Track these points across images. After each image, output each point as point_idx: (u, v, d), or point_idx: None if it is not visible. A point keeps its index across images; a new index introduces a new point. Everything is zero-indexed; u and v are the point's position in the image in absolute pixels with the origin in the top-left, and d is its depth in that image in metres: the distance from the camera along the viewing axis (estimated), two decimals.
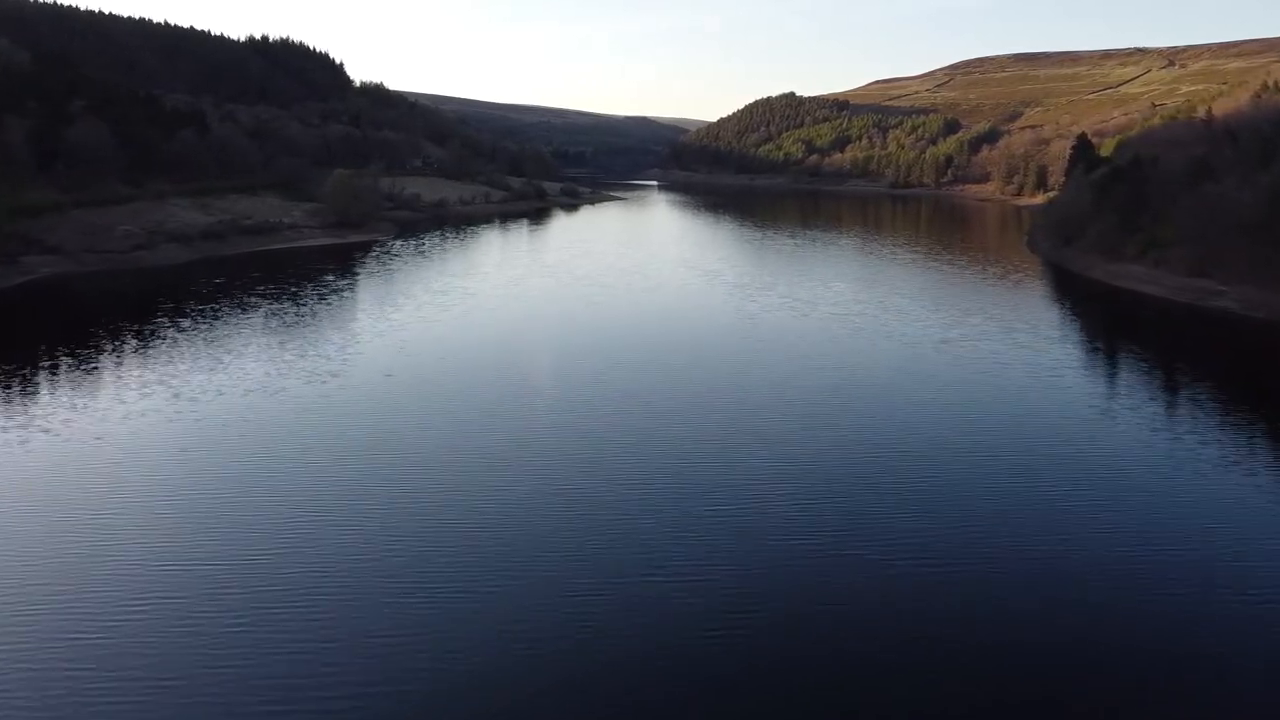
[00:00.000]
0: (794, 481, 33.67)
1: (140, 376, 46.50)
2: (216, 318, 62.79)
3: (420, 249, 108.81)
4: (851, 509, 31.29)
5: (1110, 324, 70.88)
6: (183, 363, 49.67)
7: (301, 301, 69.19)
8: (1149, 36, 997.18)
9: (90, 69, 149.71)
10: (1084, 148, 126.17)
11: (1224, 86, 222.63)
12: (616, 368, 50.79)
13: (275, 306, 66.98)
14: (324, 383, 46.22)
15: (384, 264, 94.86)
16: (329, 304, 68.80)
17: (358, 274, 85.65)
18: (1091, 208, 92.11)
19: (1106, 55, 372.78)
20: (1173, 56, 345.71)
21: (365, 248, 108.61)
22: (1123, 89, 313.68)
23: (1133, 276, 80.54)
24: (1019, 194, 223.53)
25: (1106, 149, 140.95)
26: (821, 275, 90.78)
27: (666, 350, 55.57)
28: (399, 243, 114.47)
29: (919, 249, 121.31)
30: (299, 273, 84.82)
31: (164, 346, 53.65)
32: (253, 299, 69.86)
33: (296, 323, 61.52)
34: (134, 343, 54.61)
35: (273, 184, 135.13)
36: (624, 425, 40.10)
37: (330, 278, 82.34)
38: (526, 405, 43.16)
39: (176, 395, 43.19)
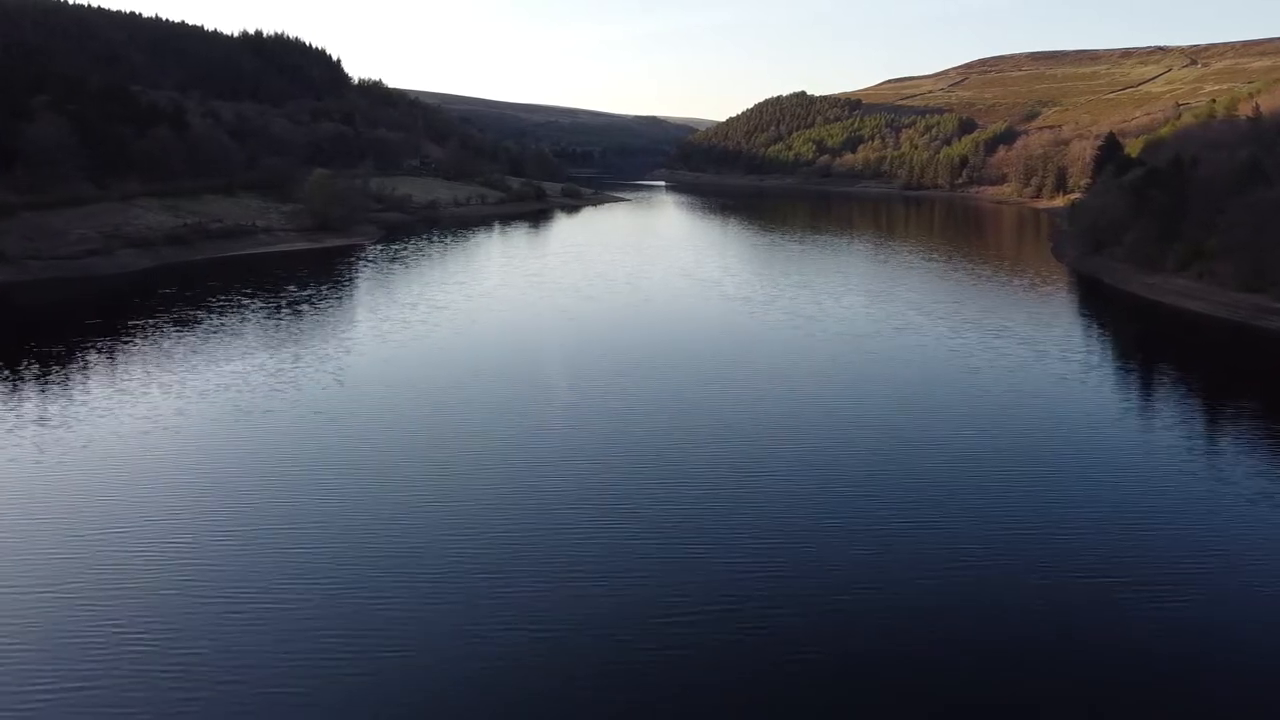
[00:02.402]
0: (795, 567, 26.51)
1: (27, 411, 39.53)
2: (145, 337, 55.73)
3: (400, 255, 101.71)
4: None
5: (1156, 347, 62.85)
6: (75, 396, 42.60)
7: (246, 319, 61.97)
8: (1169, 35, 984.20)
9: (70, 65, 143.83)
10: (1112, 148, 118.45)
11: (1251, 85, 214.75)
12: (574, 413, 43.53)
13: (216, 323, 59.89)
14: (244, 418, 39.16)
15: (356, 272, 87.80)
16: (275, 322, 61.56)
17: (323, 284, 78.51)
18: (1126, 214, 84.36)
19: (1126, 54, 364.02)
20: (1194, 55, 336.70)
21: (343, 253, 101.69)
22: (1144, 88, 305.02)
23: (1175, 291, 72.89)
24: (1037, 196, 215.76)
25: (1133, 149, 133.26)
26: (831, 286, 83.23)
27: (641, 382, 48.18)
28: (380, 248, 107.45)
29: (935, 256, 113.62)
30: (260, 282, 77.77)
31: (66, 375, 46.61)
32: (195, 314, 62.76)
33: (227, 346, 54.19)
34: (34, 369, 47.52)
35: (254, 185, 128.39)
36: (568, 490, 32.89)
37: (292, 288, 75.24)
38: (467, 454, 36.00)
39: (58, 439, 36.20)
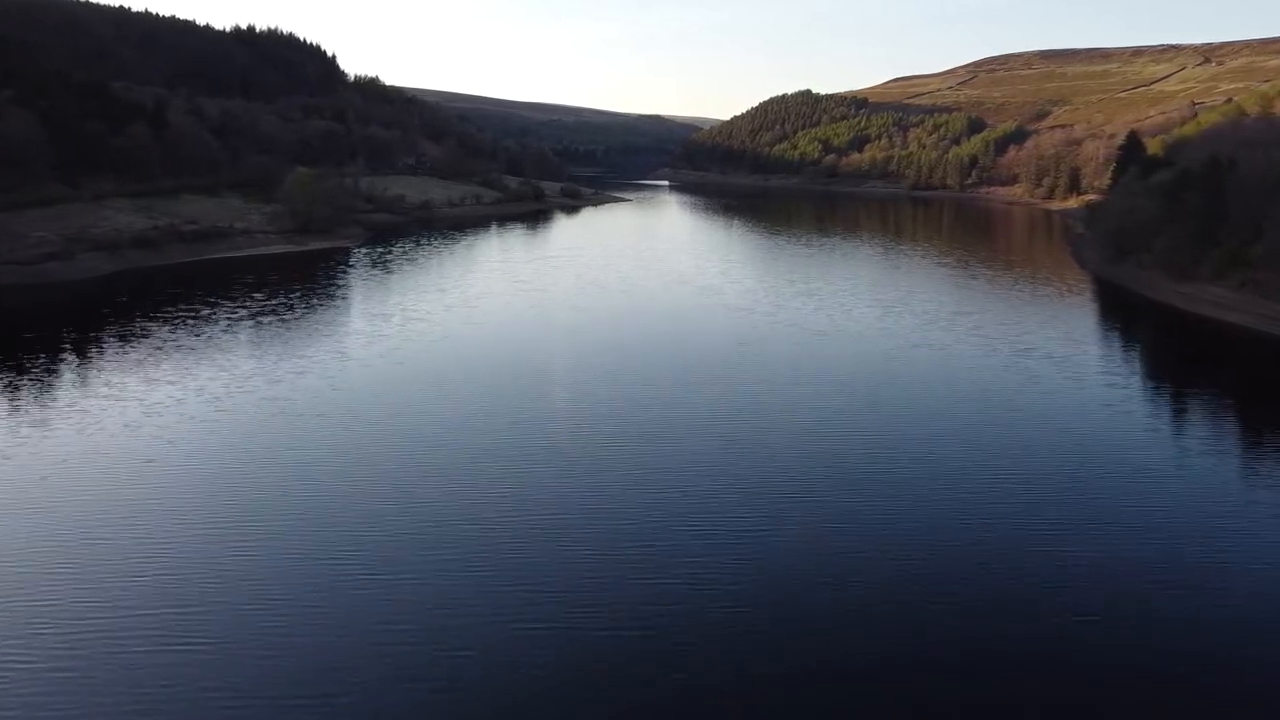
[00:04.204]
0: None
1: None
2: (79, 353, 50.43)
3: (385, 259, 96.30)
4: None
5: (1200, 367, 56.86)
6: None
7: (196, 334, 56.36)
8: (1180, 34, 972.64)
9: (55, 60, 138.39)
10: (1134, 148, 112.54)
11: (1267, 85, 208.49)
12: (553, 440, 38.08)
13: (161, 338, 54.43)
14: (148, 465, 33.79)
15: (333, 278, 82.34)
16: (227, 337, 55.98)
17: (294, 292, 73.05)
18: (1155, 217, 78.66)
19: (1137, 52, 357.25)
20: (1208, 53, 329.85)
21: (324, 257, 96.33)
22: (1157, 87, 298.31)
23: (1213, 301, 67.29)
24: (1049, 197, 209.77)
25: (1152, 149, 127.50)
26: (840, 295, 77.53)
27: (627, 409, 42.71)
28: (365, 251, 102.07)
29: (948, 260, 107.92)
30: (226, 289, 72.32)
31: None
32: (139, 328, 57.28)
33: (160, 368, 48.83)
34: None
35: (239, 184, 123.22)
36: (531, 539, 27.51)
37: (258, 296, 69.85)
38: (419, 493, 30.57)
39: None
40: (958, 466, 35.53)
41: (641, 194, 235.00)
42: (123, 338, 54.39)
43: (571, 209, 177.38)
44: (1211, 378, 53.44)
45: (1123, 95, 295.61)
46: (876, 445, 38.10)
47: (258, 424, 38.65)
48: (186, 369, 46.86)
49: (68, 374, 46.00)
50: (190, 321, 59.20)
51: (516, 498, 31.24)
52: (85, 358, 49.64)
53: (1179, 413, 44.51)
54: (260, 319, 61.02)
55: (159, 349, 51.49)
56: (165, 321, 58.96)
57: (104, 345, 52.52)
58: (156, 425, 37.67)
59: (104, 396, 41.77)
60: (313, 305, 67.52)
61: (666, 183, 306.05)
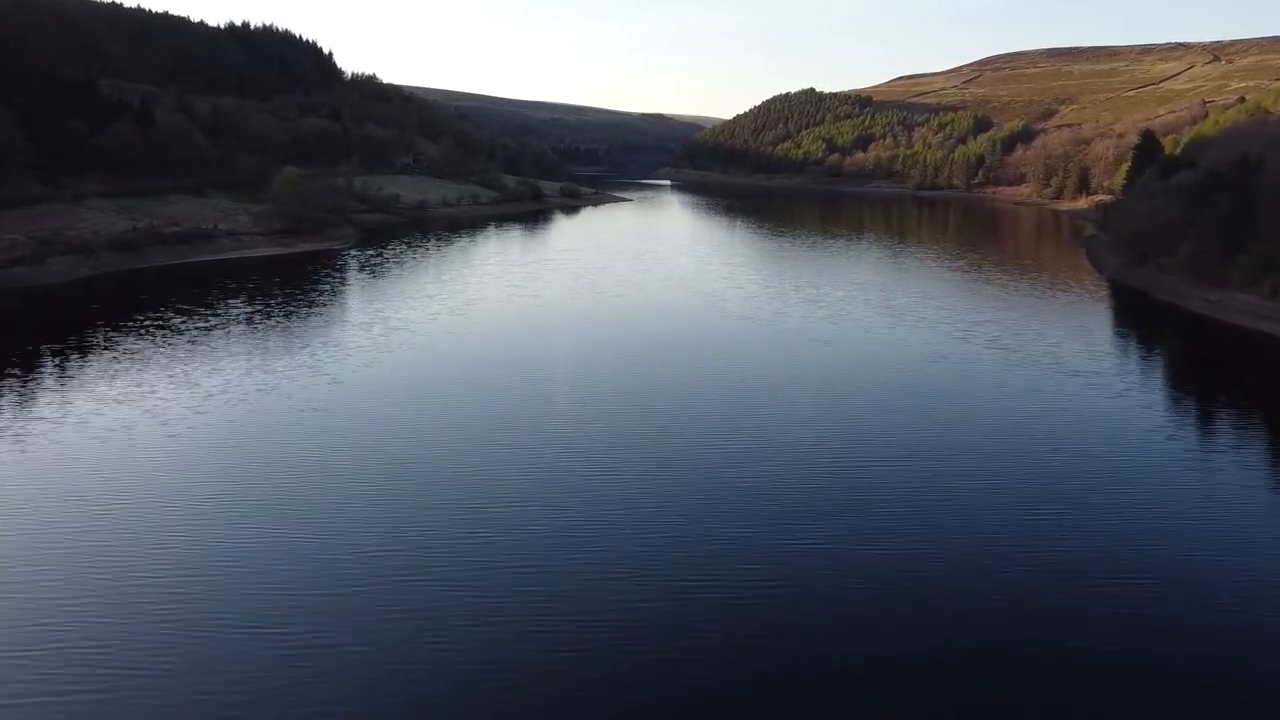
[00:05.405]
0: None
1: None
2: (25, 367, 46.74)
3: (374, 262, 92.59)
4: None
5: (1246, 387, 52.78)
6: None
7: (165, 344, 52.69)
8: (1188, 32, 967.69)
9: (44, 57, 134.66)
10: (1150, 147, 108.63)
11: (1277, 83, 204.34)
12: (529, 472, 34.40)
13: (128, 347, 50.77)
14: (101, 487, 30.13)
15: (318, 283, 78.56)
16: (193, 348, 52.23)
17: (274, 297, 69.33)
18: (1180, 220, 74.84)
19: (1145, 50, 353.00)
20: (1217, 51, 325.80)
21: (311, 260, 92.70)
22: (1165, 85, 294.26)
23: (1246, 310, 63.54)
24: (1058, 197, 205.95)
25: (1167, 148, 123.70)
26: (846, 302, 73.68)
27: (615, 429, 39.05)
28: (355, 253, 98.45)
29: (959, 264, 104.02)
30: (203, 295, 68.62)
31: None
32: (99, 340, 53.70)
33: (117, 382, 45.28)
34: None
35: (229, 184, 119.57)
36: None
37: (236, 302, 66.22)
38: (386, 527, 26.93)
39: None
40: (975, 481, 31.92)
41: (643, 194, 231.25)
42: (81, 349, 50.75)
43: (571, 209, 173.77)
44: (1252, 393, 49.68)
45: (1130, 94, 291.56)
46: (890, 455, 34.49)
47: (211, 448, 35.01)
48: (142, 387, 43.14)
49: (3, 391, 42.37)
50: (158, 331, 55.51)
51: (487, 528, 27.58)
52: (31, 372, 45.91)
53: (1229, 435, 40.77)
54: (231, 329, 57.31)
55: (116, 362, 47.83)
56: (131, 331, 55.33)
57: (55, 357, 48.84)
58: (95, 455, 33.99)
59: (40, 419, 38.07)
60: (291, 313, 63.76)
61: (668, 182, 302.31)
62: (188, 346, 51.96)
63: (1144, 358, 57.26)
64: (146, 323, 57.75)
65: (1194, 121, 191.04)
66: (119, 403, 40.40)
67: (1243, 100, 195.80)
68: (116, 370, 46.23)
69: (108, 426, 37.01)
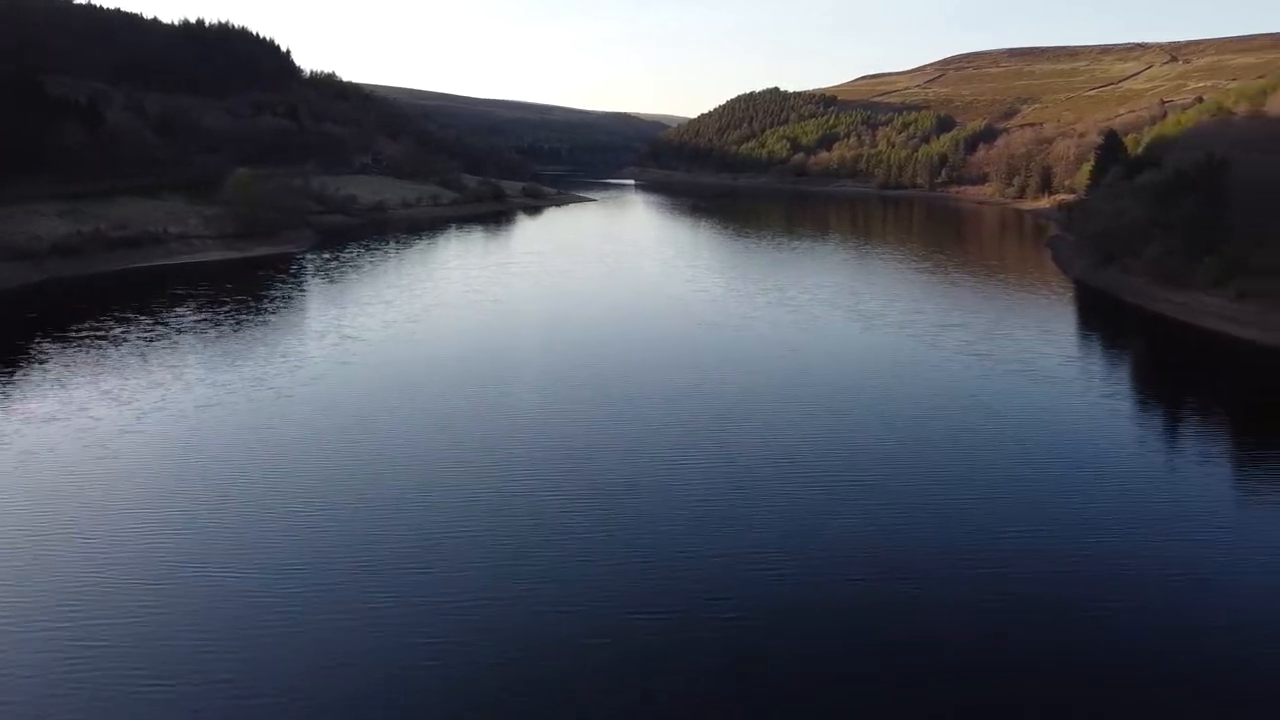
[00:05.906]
0: None
1: None
2: None
3: (330, 266, 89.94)
4: None
5: (1230, 394, 52.13)
6: None
7: (101, 358, 50.16)
8: (1147, 32, 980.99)
9: None
10: (1113, 147, 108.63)
11: (1234, 84, 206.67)
12: (476, 496, 32.56)
13: (62, 361, 48.19)
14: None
15: (270, 289, 75.86)
16: (137, 358, 49.84)
17: (222, 306, 66.64)
18: (1146, 221, 74.37)
19: (1105, 50, 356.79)
20: (1174, 52, 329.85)
21: (265, 264, 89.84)
22: (1125, 85, 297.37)
23: (1214, 313, 63.00)
24: (1020, 196, 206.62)
25: (1130, 148, 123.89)
26: (814, 304, 72.34)
27: (567, 446, 37.30)
28: (311, 257, 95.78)
29: (925, 265, 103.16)
30: (145, 303, 65.82)
31: None
32: (41, 349, 51.05)
33: (53, 401, 42.76)
34: None
35: (182, 185, 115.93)
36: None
37: (181, 310, 63.55)
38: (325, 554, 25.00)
39: None
40: (955, 484, 30.55)
41: (607, 193, 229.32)
42: (8, 363, 48.06)
43: (534, 209, 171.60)
44: (1218, 394, 48.95)
45: (1091, 94, 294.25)
46: (870, 460, 33.02)
47: (145, 471, 32.79)
48: (71, 405, 40.69)
49: None
50: (96, 343, 52.85)
51: (433, 551, 25.74)
52: None
53: (1195, 433, 39.82)
54: (176, 339, 54.78)
55: (46, 377, 45.26)
56: (67, 343, 52.66)
57: None
58: (13, 480, 31.65)
59: None
60: (240, 321, 61.24)
61: (633, 181, 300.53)
62: (126, 359, 49.44)
63: (1112, 359, 56.41)
64: (85, 334, 55.07)
65: (1153, 121, 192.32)
66: (45, 422, 37.96)
67: (1201, 100, 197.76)
68: (45, 386, 43.68)
69: (29, 448, 34.64)
